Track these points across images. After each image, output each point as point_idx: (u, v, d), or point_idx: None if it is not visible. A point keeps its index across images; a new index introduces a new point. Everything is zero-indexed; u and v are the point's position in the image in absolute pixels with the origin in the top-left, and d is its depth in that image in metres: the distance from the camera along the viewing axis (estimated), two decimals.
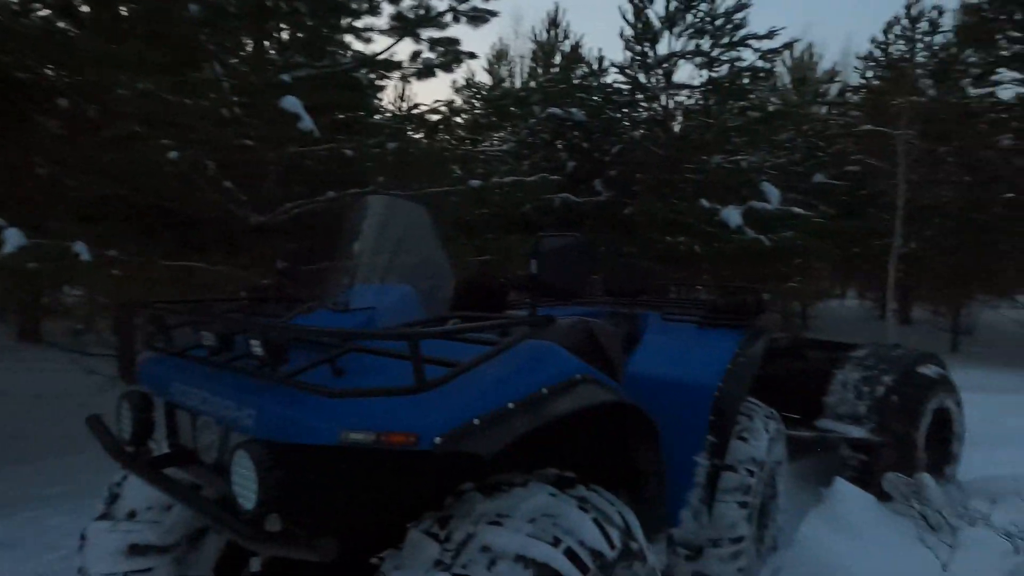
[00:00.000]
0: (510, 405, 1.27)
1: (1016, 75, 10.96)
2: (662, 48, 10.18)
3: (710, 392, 2.32)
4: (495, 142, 11.81)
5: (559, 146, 11.63)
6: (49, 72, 3.36)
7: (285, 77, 4.11)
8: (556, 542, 1.25)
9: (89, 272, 3.07)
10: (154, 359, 1.85)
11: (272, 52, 5.07)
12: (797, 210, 9.10)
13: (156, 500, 1.91)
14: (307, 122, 3.90)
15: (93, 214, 3.86)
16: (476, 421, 1.20)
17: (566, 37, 15.15)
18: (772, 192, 9.47)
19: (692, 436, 2.28)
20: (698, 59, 9.93)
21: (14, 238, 2.75)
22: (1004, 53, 10.82)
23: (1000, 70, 10.97)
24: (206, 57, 4.17)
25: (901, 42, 12.58)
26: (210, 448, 1.52)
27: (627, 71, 10.62)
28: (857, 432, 3.65)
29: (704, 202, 9.13)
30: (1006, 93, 11.27)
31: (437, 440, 1.13)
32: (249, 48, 4.86)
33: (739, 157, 9.60)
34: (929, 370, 3.88)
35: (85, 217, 3.85)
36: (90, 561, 1.85)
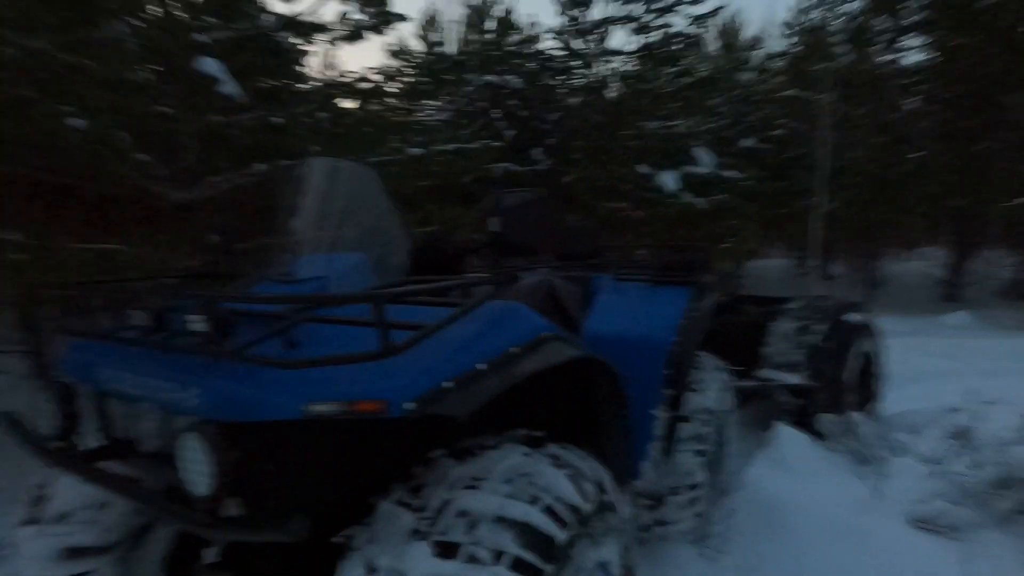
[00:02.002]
0: (480, 366, 1.23)
1: (918, 43, 11.72)
2: (595, 13, 10.14)
3: (665, 347, 2.37)
4: (432, 112, 11.49)
5: (497, 115, 11.46)
6: None
7: (201, 37, 3.75)
8: (534, 500, 1.23)
9: None
10: (76, 346, 1.67)
11: (181, 13, 4.62)
12: (729, 173, 9.43)
13: (89, 499, 1.75)
14: (229, 85, 3.59)
15: None
16: (447, 384, 1.15)
17: (497, 1, 14.80)
18: (706, 156, 9.77)
19: (650, 390, 2.32)
20: (631, 24, 9.96)
21: None
22: (909, 21, 11.50)
23: (904, 37, 11.68)
24: (105, 15, 3.74)
25: (819, 9, 13.11)
26: (150, 436, 1.39)
27: (561, 36, 10.52)
28: (794, 379, 3.88)
29: (642, 167, 9.29)
30: (910, 59, 12.06)
31: (408, 405, 1.07)
32: (156, 8, 4.41)
33: (674, 123, 9.78)
34: (854, 317, 4.15)
35: None
36: (19, 569, 1.68)
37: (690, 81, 10.33)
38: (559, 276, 2.82)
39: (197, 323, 1.27)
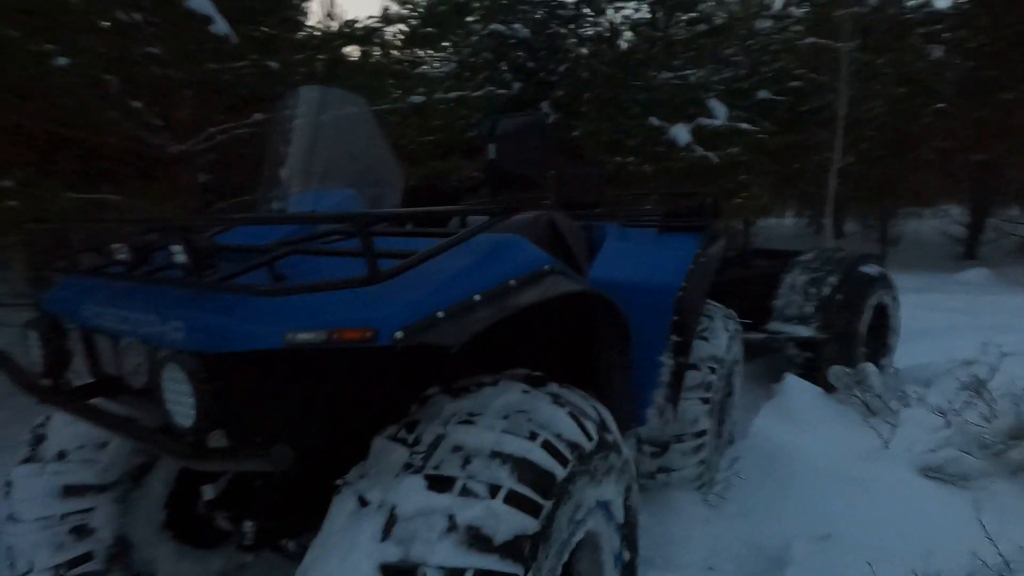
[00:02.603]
0: (476, 297, 1.16)
1: None
2: None
3: (673, 292, 2.30)
4: (436, 64, 11.14)
5: (503, 67, 11.09)
6: None
7: None
8: (532, 436, 1.18)
9: None
10: (62, 283, 1.62)
11: None
12: (744, 126, 9.12)
13: (88, 438, 1.74)
14: (221, 25, 3.43)
15: None
16: (440, 314, 1.08)
17: None
18: (719, 108, 9.43)
19: (656, 337, 2.26)
20: None
21: None
22: None
23: None
24: None
25: None
26: (137, 372, 1.35)
27: None
28: (804, 331, 3.81)
29: (653, 120, 9.00)
30: (943, 2, 11.44)
31: (398, 335, 1.01)
32: None
33: (686, 72, 9.41)
34: (870, 269, 4.04)
35: None
36: (19, 506, 1.68)
37: (705, 29, 9.89)
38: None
39: (178, 255, 1.21)
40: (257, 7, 4.83)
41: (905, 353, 4.32)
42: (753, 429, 3.04)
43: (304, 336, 1.02)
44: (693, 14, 10.01)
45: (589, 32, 10.93)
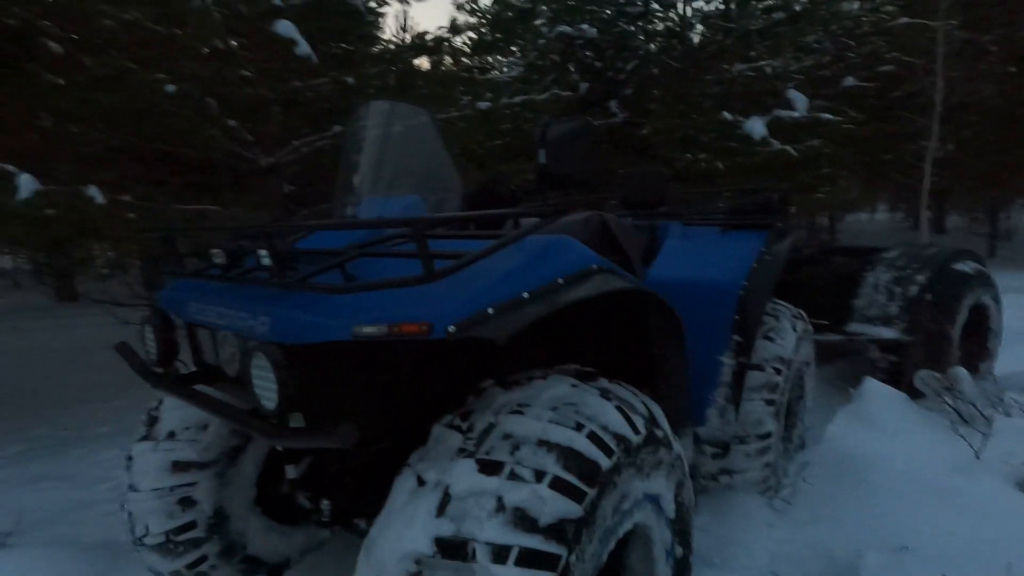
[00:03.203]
0: (525, 295, 1.23)
1: None
2: None
3: (734, 292, 2.26)
4: (504, 68, 11.32)
5: (570, 68, 11.10)
6: (34, 11, 3.24)
7: (277, 1, 3.90)
8: (578, 427, 1.24)
9: (104, 216, 3.08)
10: (172, 284, 1.86)
11: None
12: (826, 116, 8.62)
13: (192, 420, 1.97)
14: (304, 47, 3.73)
15: (102, 160, 3.83)
16: (490, 310, 1.17)
17: None
18: (799, 99, 8.96)
19: (717, 336, 2.24)
20: None
21: (28, 184, 2.74)
22: None
23: None
24: None
25: None
26: (231, 361, 1.53)
27: None
28: (888, 332, 3.58)
29: (726, 114, 8.70)
30: None
31: (451, 328, 1.11)
32: None
33: (762, 63, 9.01)
34: (965, 266, 3.74)
35: (94, 164, 3.83)
36: (137, 478, 1.94)
37: (783, 17, 9.42)
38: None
39: (264, 258, 1.37)
40: (335, 27, 5.17)
41: (1010, 358, 3.95)
42: (827, 435, 2.91)
43: (369, 329, 1.14)
44: (770, 2, 9.56)
45: (658, 28, 10.73)
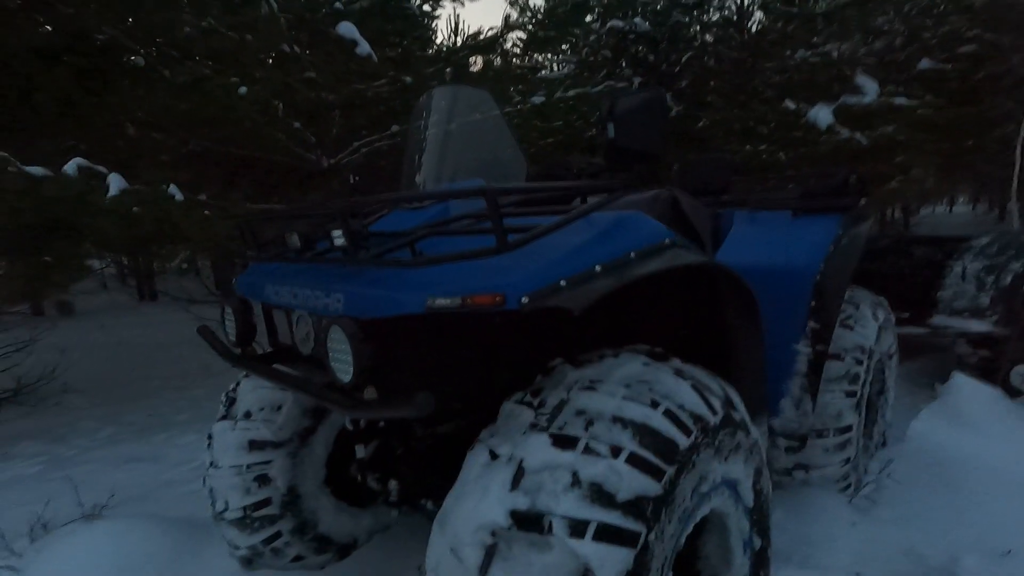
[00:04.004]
0: (597, 268, 1.21)
1: None
2: None
3: (810, 276, 2.15)
4: (556, 67, 11.28)
5: (623, 63, 10.94)
6: (119, 26, 3.49)
7: (339, 4, 4.04)
8: (654, 404, 1.20)
9: (183, 212, 3.26)
10: (249, 269, 1.94)
11: None
12: (900, 100, 8.11)
13: (268, 401, 2.05)
14: (364, 46, 3.84)
15: (179, 163, 4.07)
16: (563, 283, 1.15)
17: None
18: (868, 84, 8.47)
19: (791, 323, 2.13)
20: None
21: (116, 182, 2.95)
22: None
23: None
24: None
25: None
26: (307, 339, 1.58)
27: None
28: (979, 326, 3.32)
29: (788, 103, 8.33)
30: None
31: (524, 299, 1.09)
32: None
33: (828, 47, 8.58)
34: None
35: (173, 167, 4.07)
36: (218, 456, 2.04)
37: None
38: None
39: (338, 239, 1.41)
40: (392, 28, 5.30)
41: None
42: (911, 432, 2.72)
43: (442, 302, 1.14)
44: None
45: (714, 18, 10.41)
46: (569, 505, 1.05)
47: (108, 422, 4.29)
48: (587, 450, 1.11)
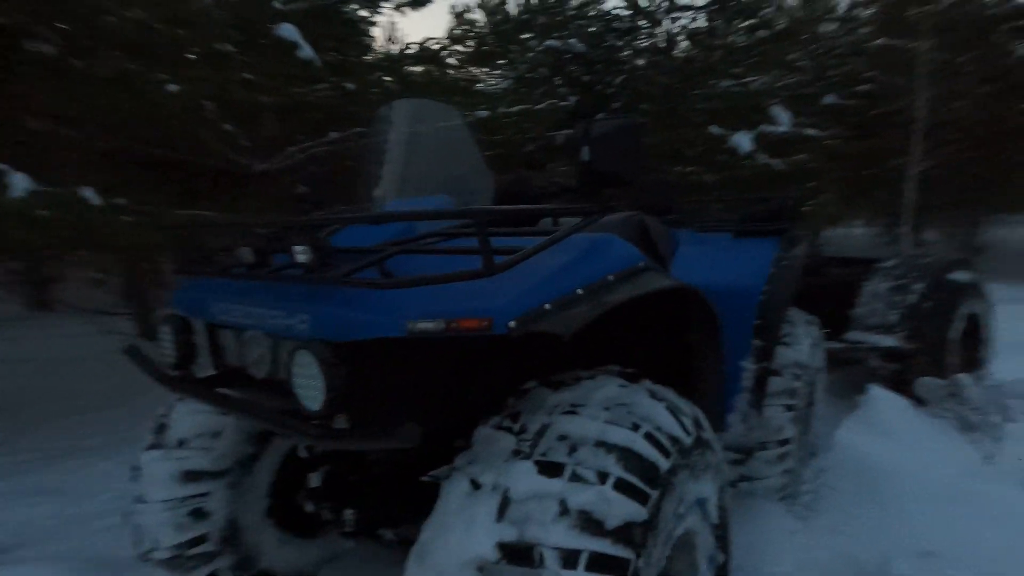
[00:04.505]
0: (579, 291, 1.21)
1: None
2: None
3: (754, 296, 2.26)
4: (492, 81, 11.38)
5: (558, 81, 11.21)
6: (22, 9, 3.14)
7: (278, 4, 3.86)
8: (635, 427, 1.21)
9: (101, 219, 2.97)
10: (188, 284, 1.78)
11: None
12: (810, 131, 8.83)
13: (204, 427, 1.89)
14: (307, 49, 3.69)
15: (94, 164, 3.72)
16: (547, 306, 1.13)
17: None
18: (782, 115, 9.17)
19: (738, 341, 2.23)
20: None
21: (21, 183, 2.64)
22: None
23: None
24: None
25: None
26: (261, 362, 1.47)
27: None
28: (889, 341, 3.62)
29: (714, 129, 8.85)
30: None
31: (512, 324, 1.07)
32: None
33: (748, 79, 9.22)
34: (961, 276, 3.81)
35: (87, 168, 3.71)
36: (146, 489, 1.84)
37: (767, 35, 9.67)
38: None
39: (301, 255, 1.32)
40: (331, 33, 5.14)
41: (1001, 367, 4.02)
42: (836, 441, 2.91)
43: (424, 325, 1.09)
44: (753, 20, 9.81)
45: (645, 44, 10.91)
46: (559, 535, 1.03)
47: (7, 449, 3.80)
48: (574, 477, 1.09)
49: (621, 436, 1.18)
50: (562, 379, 1.39)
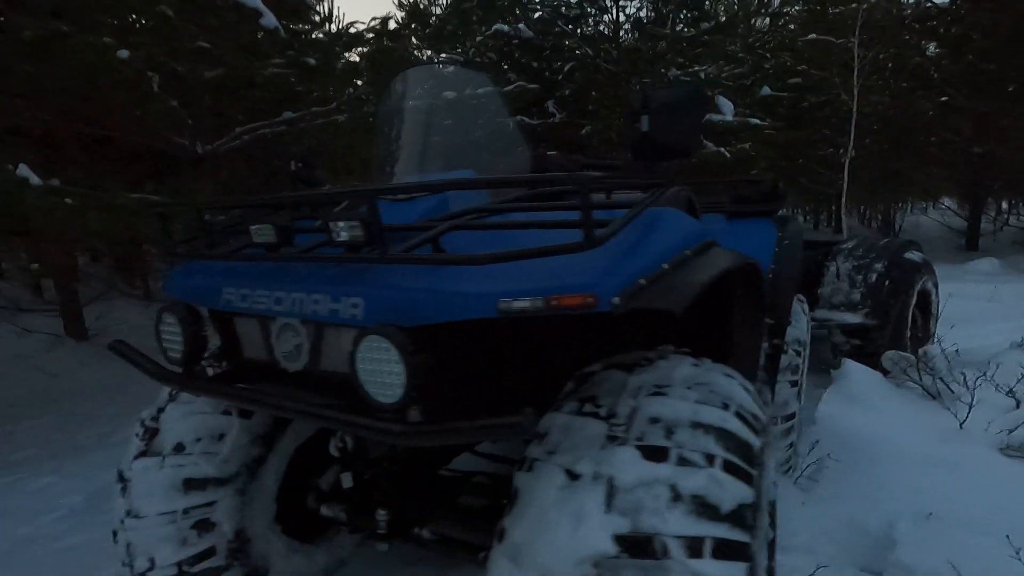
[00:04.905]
0: (664, 266, 1.14)
1: None
2: None
3: (764, 274, 2.29)
4: (440, 65, 11.09)
5: (506, 66, 11.09)
6: None
7: None
8: (725, 407, 1.16)
9: (40, 200, 2.60)
10: (187, 268, 1.58)
11: None
12: (754, 121, 9.20)
13: (206, 430, 1.69)
14: (270, 19, 3.39)
15: (21, 141, 3.28)
16: (642, 281, 1.06)
17: None
18: (726, 105, 9.50)
19: None
20: None
21: None
22: None
23: None
24: None
25: None
26: (296, 353, 1.31)
27: None
28: (853, 318, 3.82)
29: None
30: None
31: (615, 300, 0.99)
32: None
33: (696, 69, 9.48)
34: (914, 255, 4.07)
35: (11, 145, 3.27)
36: (138, 502, 1.63)
37: (711, 26, 9.97)
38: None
39: (347, 230, 1.18)
40: (287, 5, 4.79)
41: (944, 339, 4.34)
42: (819, 414, 3.03)
43: (520, 304, 1.00)
44: (697, 11, 10.09)
45: (592, 32, 10.97)
46: (677, 523, 0.97)
47: None
48: (681, 461, 1.03)
49: (715, 416, 1.13)
50: (629, 360, 1.33)
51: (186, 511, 1.63)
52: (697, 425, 1.10)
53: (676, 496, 1.00)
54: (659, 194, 1.27)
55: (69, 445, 3.70)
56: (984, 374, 3.10)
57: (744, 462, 1.08)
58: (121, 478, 1.69)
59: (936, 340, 4.14)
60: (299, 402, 1.19)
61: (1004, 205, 15.22)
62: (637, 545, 0.95)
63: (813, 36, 11.62)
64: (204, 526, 1.65)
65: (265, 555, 1.79)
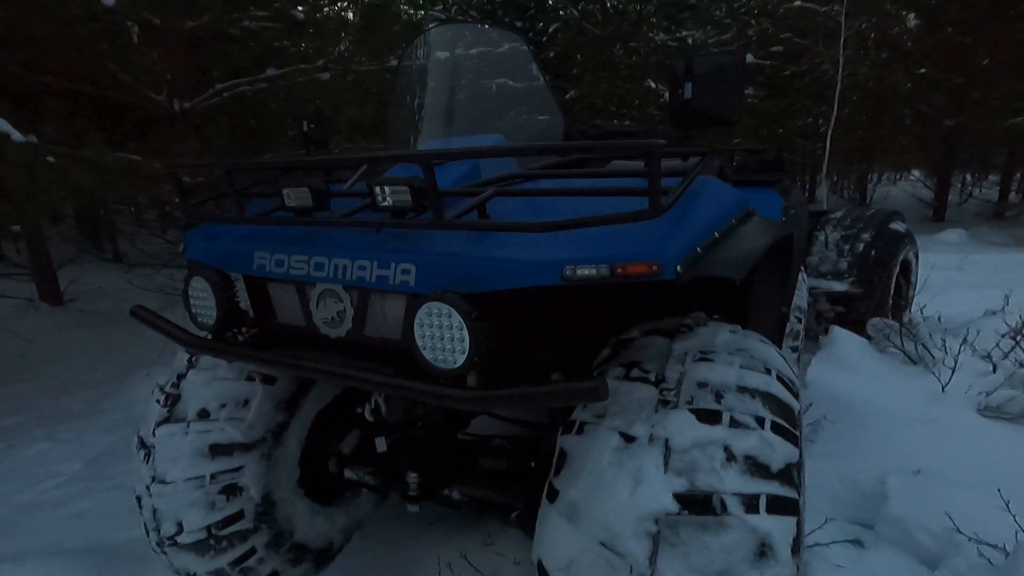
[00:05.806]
0: (715, 235, 1.16)
1: None
2: None
3: (794, 242, 2.34)
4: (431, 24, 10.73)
5: (487, 25, 10.78)
6: None
7: None
8: (768, 371, 1.20)
9: (21, 157, 2.46)
10: (206, 232, 1.53)
11: None
12: None
13: (230, 395, 1.68)
14: None
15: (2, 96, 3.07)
16: (699, 249, 1.08)
17: None
18: None
19: None
20: None
21: None
22: None
23: None
24: None
25: None
26: (338, 320, 1.30)
27: None
28: (840, 286, 3.95)
29: (650, 83, 8.98)
30: None
31: (679, 268, 1.00)
32: None
33: (685, 33, 9.38)
34: (898, 226, 4.19)
35: None
36: (165, 467, 1.62)
37: None
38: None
39: (395, 194, 1.16)
40: None
41: (918, 307, 4.53)
42: (809, 379, 3.16)
43: (584, 271, 1.00)
44: None
45: None
46: (734, 481, 1.01)
47: None
48: (734, 423, 1.07)
49: (760, 381, 1.17)
50: (667, 327, 1.36)
51: (213, 476, 1.63)
52: (743, 389, 1.14)
53: (730, 456, 1.04)
54: (703, 163, 1.27)
55: (57, 411, 3.62)
56: (965, 340, 3.25)
57: (789, 424, 1.13)
58: (143, 444, 1.67)
59: (917, 308, 4.32)
60: (353, 368, 1.18)
61: (968, 177, 15.71)
62: (696, 502, 0.99)
63: (798, 3, 11.56)
64: (232, 491, 1.65)
65: (289, 518, 1.81)
